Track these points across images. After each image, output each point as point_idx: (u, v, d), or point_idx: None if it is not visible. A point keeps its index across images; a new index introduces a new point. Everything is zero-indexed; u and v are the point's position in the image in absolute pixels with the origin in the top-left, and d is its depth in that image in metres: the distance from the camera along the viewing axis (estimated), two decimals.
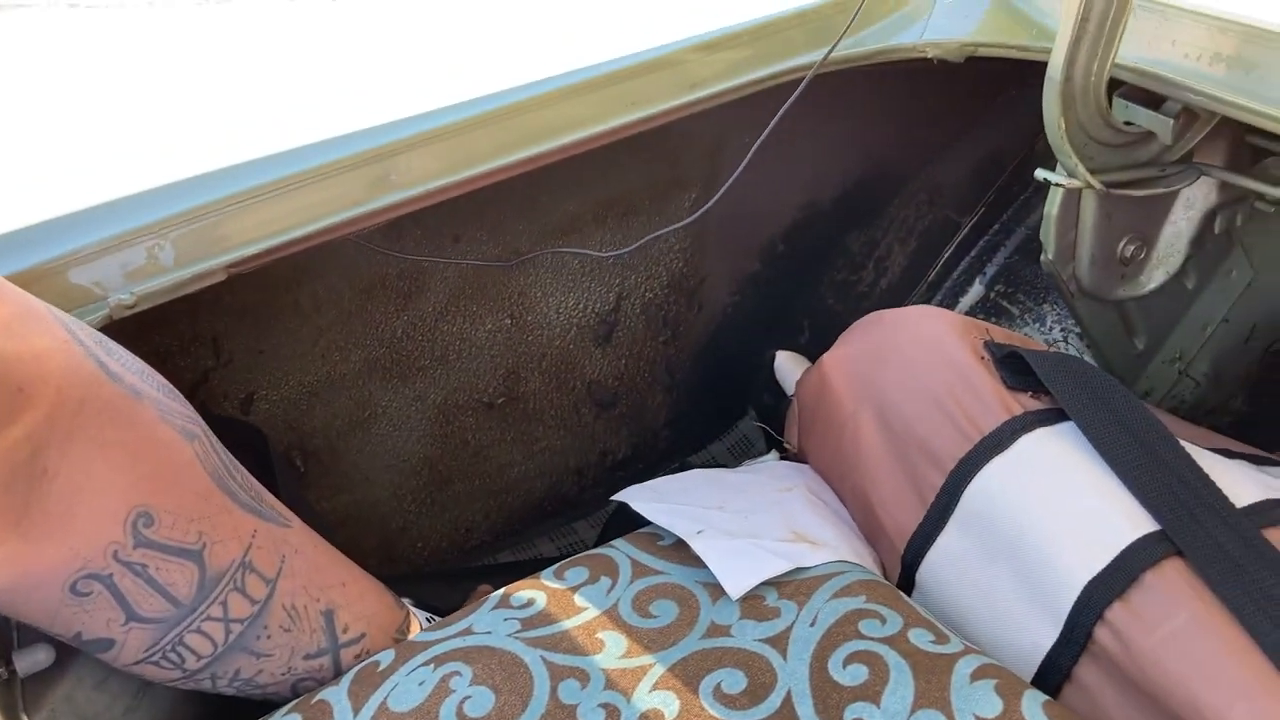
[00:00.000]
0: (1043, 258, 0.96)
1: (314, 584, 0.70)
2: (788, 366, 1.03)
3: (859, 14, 0.89)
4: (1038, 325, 1.11)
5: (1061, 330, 1.11)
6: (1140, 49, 0.86)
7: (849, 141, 1.15)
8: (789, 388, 1.01)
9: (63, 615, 0.60)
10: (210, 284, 0.79)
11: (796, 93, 0.87)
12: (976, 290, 1.16)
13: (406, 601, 0.81)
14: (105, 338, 0.62)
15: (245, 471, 0.68)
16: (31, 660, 0.68)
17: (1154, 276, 0.99)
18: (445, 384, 1.19)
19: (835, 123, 1.10)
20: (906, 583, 0.80)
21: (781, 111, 0.88)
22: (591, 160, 0.95)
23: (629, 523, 0.84)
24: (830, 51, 0.90)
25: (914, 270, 1.23)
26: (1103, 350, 1.03)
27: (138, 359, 0.64)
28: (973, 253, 1.17)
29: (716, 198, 0.92)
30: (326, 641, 0.71)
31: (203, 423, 0.66)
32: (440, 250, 1.07)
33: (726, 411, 1.35)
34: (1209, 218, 0.97)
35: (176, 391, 0.65)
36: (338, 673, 0.73)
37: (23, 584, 0.56)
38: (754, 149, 0.90)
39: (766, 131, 0.88)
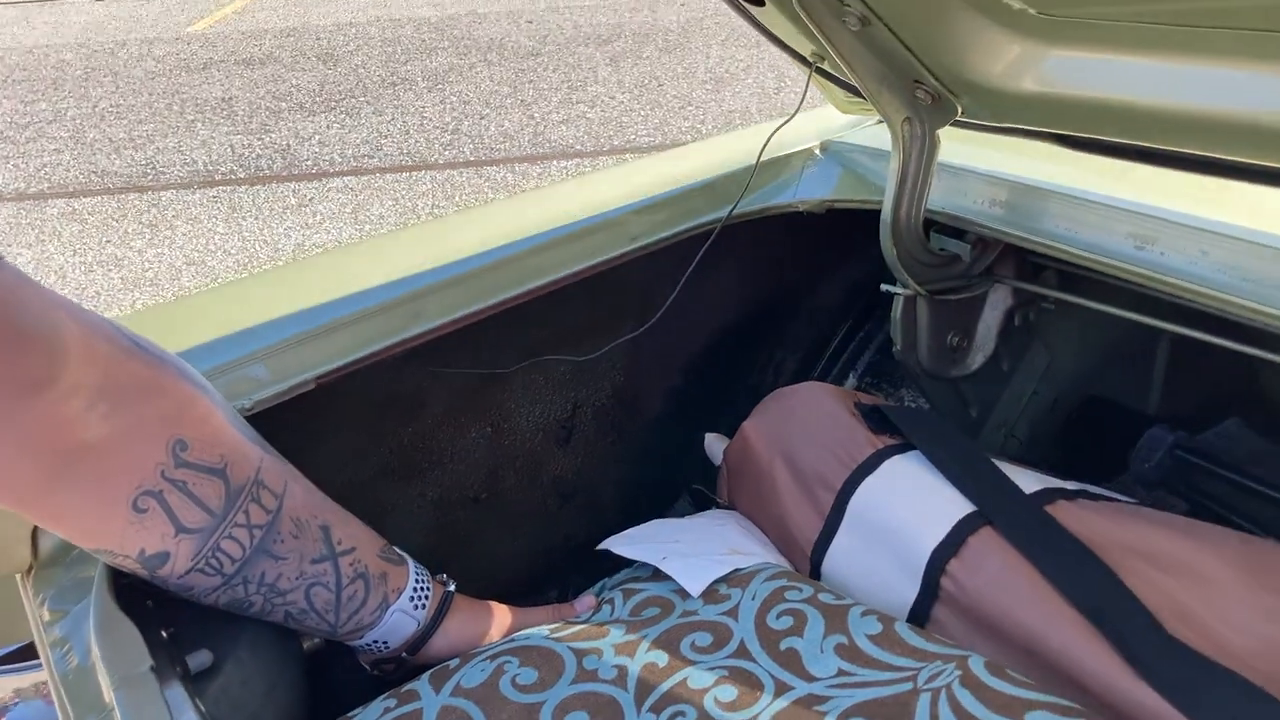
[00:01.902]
0: (894, 349, 1.32)
1: (311, 505, 0.95)
2: (714, 443, 1.36)
3: (749, 185, 1.26)
4: (897, 404, 1.47)
5: (915, 405, 1.46)
6: (947, 198, 1.24)
7: (751, 278, 1.51)
8: (716, 458, 1.34)
9: (129, 537, 0.83)
10: (302, 391, 1.09)
11: (709, 241, 1.24)
12: (850, 383, 1.51)
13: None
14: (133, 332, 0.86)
15: (248, 425, 0.94)
16: (199, 661, 0.94)
17: (975, 360, 1.36)
18: (441, 483, 1.47)
19: (739, 264, 1.45)
20: (815, 576, 1.12)
21: (701, 253, 1.24)
22: (560, 297, 1.28)
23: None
24: (732, 210, 1.26)
25: (802, 373, 1.59)
26: (945, 418, 1.39)
27: (159, 345, 0.88)
28: (844, 356, 1.53)
29: (656, 317, 1.27)
30: (326, 549, 0.95)
31: (212, 386, 0.90)
32: (438, 373, 1.38)
33: (664, 496, 1.66)
34: (1009, 314, 1.35)
35: (190, 366, 0.90)
36: (338, 578, 0.96)
37: (98, 505, 0.80)
38: (681, 284, 1.25)
39: (692, 266, 1.24)
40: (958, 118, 1.14)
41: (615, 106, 6.06)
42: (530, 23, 8.03)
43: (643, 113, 5.93)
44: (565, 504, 1.61)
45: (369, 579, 1.00)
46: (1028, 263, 1.32)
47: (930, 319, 1.29)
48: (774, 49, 1.22)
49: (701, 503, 1.36)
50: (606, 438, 1.60)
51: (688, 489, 1.59)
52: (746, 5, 1.18)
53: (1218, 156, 0.98)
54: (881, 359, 1.50)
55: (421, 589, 1.04)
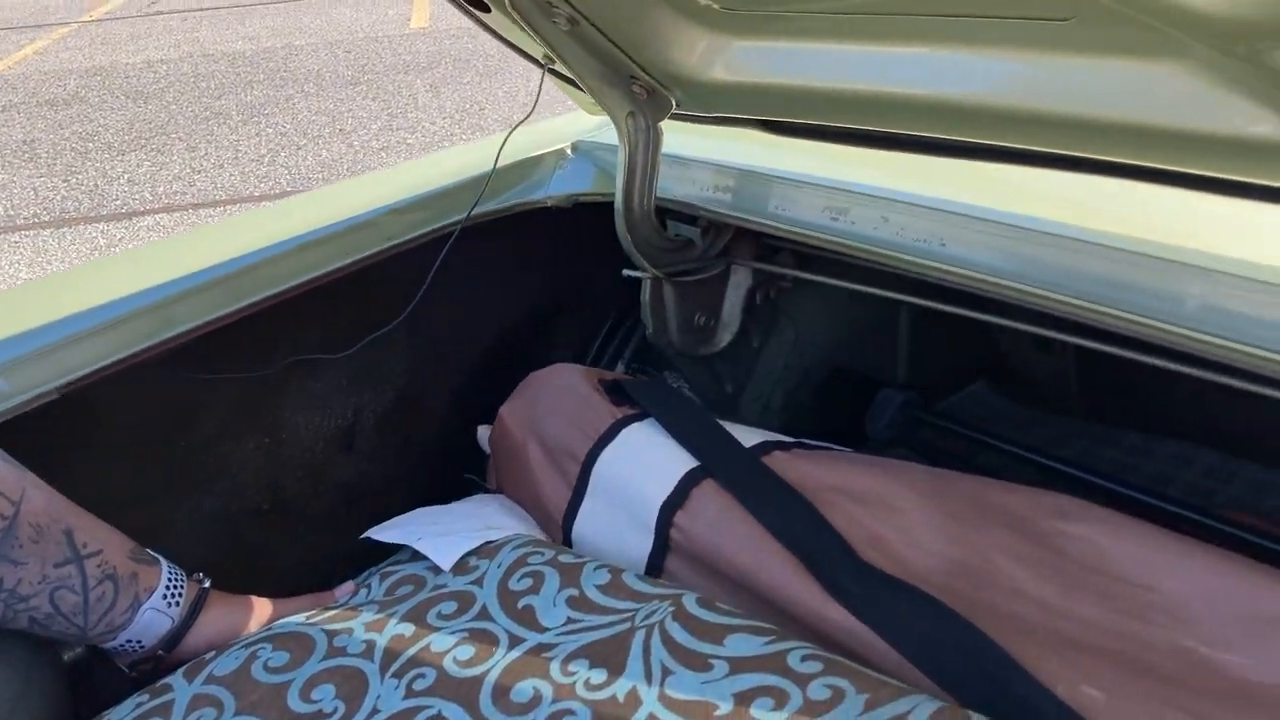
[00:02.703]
0: (648, 333, 1.40)
1: (52, 510, 0.97)
2: (484, 434, 1.41)
3: (488, 184, 1.32)
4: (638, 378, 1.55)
5: (678, 385, 1.54)
6: (678, 186, 1.33)
7: (519, 274, 1.57)
8: (487, 448, 1.39)
9: None
10: (46, 401, 1.09)
11: (451, 239, 1.30)
12: (620, 368, 1.59)
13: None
14: None
15: None
16: None
17: (723, 338, 1.45)
18: (222, 496, 1.48)
19: (504, 261, 1.51)
20: (568, 543, 1.18)
21: (445, 250, 1.30)
22: (320, 296, 1.31)
23: None
24: (472, 209, 1.33)
25: (576, 362, 1.65)
26: (702, 395, 1.48)
27: None
28: (613, 344, 1.60)
29: (405, 315, 1.32)
30: (70, 553, 0.97)
31: None
32: (211, 383, 1.39)
33: (451, 492, 1.70)
34: (752, 293, 1.45)
35: None
36: (84, 581, 0.97)
37: None
38: (428, 281, 1.30)
39: (437, 263, 1.29)
40: (675, 110, 1.23)
41: (436, 132, 6.06)
42: (349, 53, 7.96)
43: (464, 137, 5.95)
44: (353, 509, 1.63)
45: (118, 580, 1.01)
46: (764, 245, 1.42)
47: (677, 301, 1.38)
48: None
49: (476, 491, 1.41)
50: (391, 441, 1.63)
51: (462, 479, 1.64)
52: (474, 11, 1.25)
53: (905, 133, 1.09)
54: (648, 345, 1.58)
55: (175, 587, 1.06)
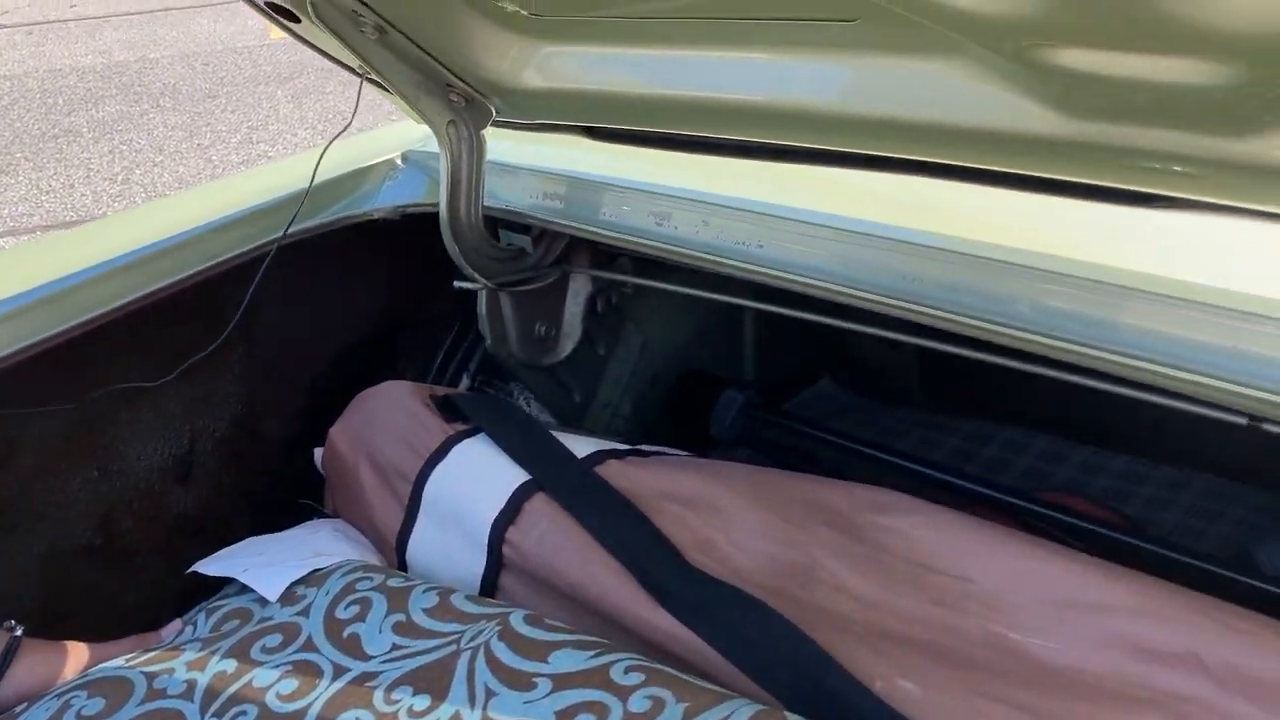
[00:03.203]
0: (487, 345, 1.38)
1: None
2: (320, 456, 1.37)
3: (304, 200, 1.29)
4: (508, 398, 1.53)
5: (525, 397, 1.53)
6: (508, 194, 1.31)
7: (356, 291, 1.53)
8: (324, 470, 1.35)
9: None
10: None
11: (270, 256, 1.25)
12: (465, 383, 1.56)
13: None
14: None
15: None
16: None
17: (566, 346, 1.44)
18: (48, 534, 1.40)
19: (339, 278, 1.47)
20: (403, 567, 1.15)
21: (264, 268, 1.25)
22: (139, 320, 1.26)
23: None
24: (289, 226, 1.29)
25: (421, 379, 1.62)
26: (549, 405, 1.46)
27: None
28: (457, 357, 1.57)
29: (223, 337, 1.27)
30: None
31: None
32: (26, 417, 1.32)
33: (298, 517, 1.65)
34: (592, 301, 1.44)
35: None
36: None
37: None
38: (246, 301, 1.26)
39: (255, 281, 1.25)
40: (496, 118, 1.21)
41: (298, 143, 5.92)
42: (206, 65, 7.72)
43: None
44: (193, 540, 1.56)
45: None
46: (602, 251, 1.41)
47: (514, 312, 1.36)
48: None
49: (314, 516, 1.36)
50: (231, 467, 1.57)
51: (298, 504, 1.59)
52: (285, 22, 1.21)
53: (716, 137, 1.09)
54: (493, 358, 1.55)
55: None
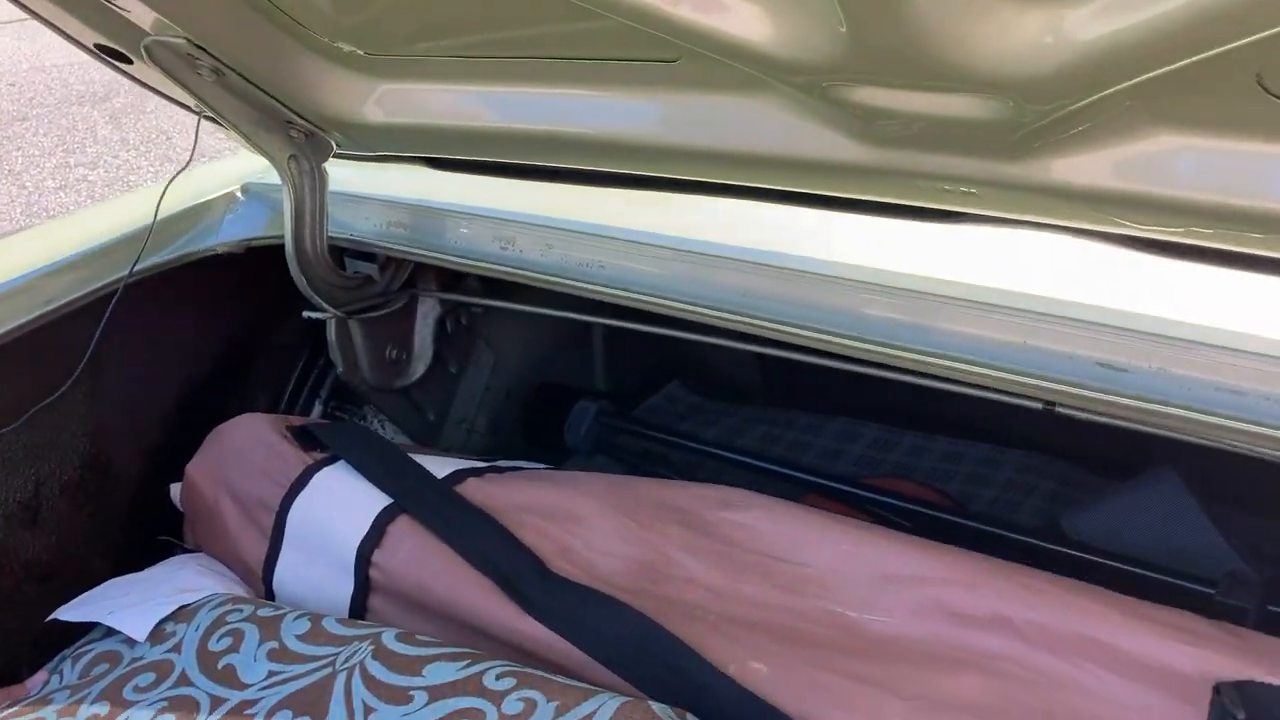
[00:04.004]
0: (338, 372, 1.40)
1: None
2: (177, 491, 1.37)
3: (148, 239, 1.29)
4: (362, 421, 1.55)
5: (378, 419, 1.55)
6: (355, 223, 1.34)
7: (201, 325, 1.52)
8: (182, 506, 1.35)
9: None
10: None
11: (116, 296, 1.26)
12: (318, 409, 1.57)
13: None
14: None
15: None
16: None
17: (418, 368, 1.47)
18: None
19: (183, 314, 1.47)
20: (270, 597, 1.17)
21: (109, 310, 1.25)
22: None
23: None
24: (134, 265, 1.29)
25: (273, 409, 1.62)
26: (403, 426, 1.49)
27: None
28: (308, 385, 1.59)
29: (70, 382, 1.26)
30: None
31: None
32: None
33: (151, 557, 1.63)
34: (442, 322, 1.48)
35: None
36: None
37: None
38: (93, 345, 1.25)
39: (101, 325, 1.25)
40: (337, 151, 1.24)
41: (121, 166, 5.70)
42: (12, 85, 7.34)
43: (152, 169, 5.63)
44: (46, 586, 1.53)
45: None
46: (450, 273, 1.45)
47: (364, 338, 1.39)
48: None
49: (176, 553, 1.36)
50: (83, 509, 1.55)
51: (158, 541, 1.58)
52: (119, 65, 1.21)
53: (551, 165, 1.15)
54: (344, 387, 1.57)
55: None
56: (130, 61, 1.20)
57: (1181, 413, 0.83)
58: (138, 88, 1.34)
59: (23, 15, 1.16)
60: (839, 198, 0.92)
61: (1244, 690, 0.76)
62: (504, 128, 1.09)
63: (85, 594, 1.21)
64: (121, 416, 1.54)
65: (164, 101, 1.40)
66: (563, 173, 1.18)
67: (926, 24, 0.70)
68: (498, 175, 1.20)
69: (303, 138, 1.20)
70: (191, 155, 1.32)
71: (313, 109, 1.16)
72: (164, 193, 1.31)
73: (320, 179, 1.25)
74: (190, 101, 1.26)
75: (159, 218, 1.38)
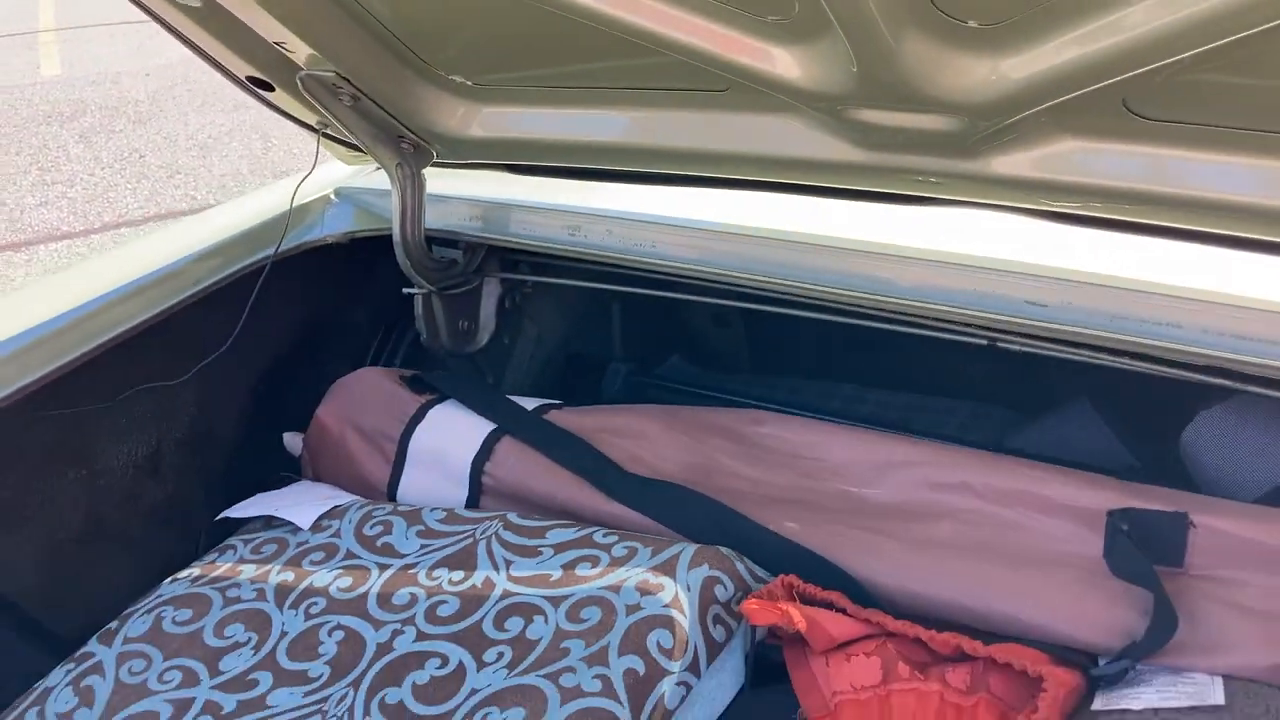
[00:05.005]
0: (422, 338, 1.73)
1: None
2: (291, 439, 1.68)
3: (288, 226, 1.61)
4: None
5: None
6: (442, 219, 1.66)
7: (302, 306, 1.83)
8: (296, 450, 1.66)
9: None
10: None
11: (264, 275, 1.57)
12: None
13: None
14: None
15: None
16: None
17: (483, 338, 1.81)
18: (45, 525, 1.64)
19: (291, 296, 1.77)
20: None
21: (259, 286, 1.57)
22: (143, 342, 1.54)
23: None
24: (279, 248, 1.60)
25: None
26: None
27: None
28: (384, 353, 1.91)
29: (231, 339, 1.57)
30: None
31: None
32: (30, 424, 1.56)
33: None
34: (501, 300, 1.82)
35: None
36: None
37: None
38: (247, 311, 1.56)
39: (253, 297, 1.56)
40: (435, 160, 1.57)
41: (97, 183, 5.91)
42: None
43: (129, 186, 5.85)
44: (164, 523, 1.83)
45: None
46: (508, 260, 1.79)
47: (444, 311, 1.72)
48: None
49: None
50: (192, 462, 1.84)
51: (277, 477, 1.88)
52: (260, 91, 1.53)
53: (619, 168, 1.49)
54: (413, 351, 1.90)
55: None
56: (272, 89, 1.52)
57: (1083, 331, 1.20)
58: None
59: None
60: (841, 188, 1.28)
61: (1128, 514, 1.13)
62: (580, 140, 1.44)
63: (238, 504, 1.51)
64: (223, 384, 1.85)
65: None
66: (620, 173, 1.52)
67: (911, 66, 1.06)
68: (568, 178, 1.55)
69: (411, 149, 1.53)
70: (312, 168, 1.64)
71: (424, 127, 1.49)
72: (296, 191, 1.62)
73: (420, 182, 1.58)
74: (315, 120, 1.58)
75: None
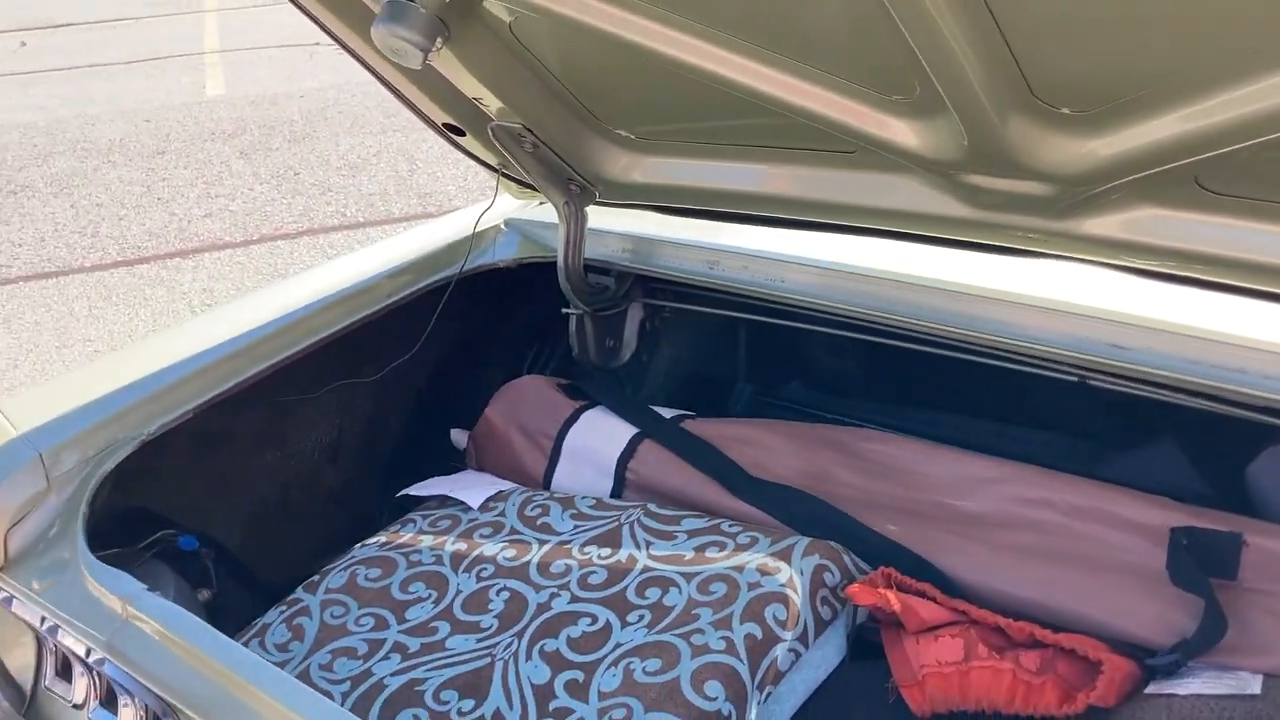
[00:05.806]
0: (574, 354, 1.98)
1: None
2: (458, 435, 1.95)
3: (470, 250, 1.88)
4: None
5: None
6: (597, 250, 1.92)
7: (468, 321, 2.11)
8: (461, 444, 1.92)
9: None
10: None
11: (449, 291, 1.84)
12: None
13: None
14: None
15: None
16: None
17: (625, 355, 2.05)
18: (251, 496, 1.93)
19: (460, 313, 2.05)
20: None
21: (444, 300, 1.84)
22: (342, 344, 1.82)
23: None
24: (463, 267, 1.88)
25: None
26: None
27: None
28: (535, 366, 2.17)
29: (419, 344, 1.84)
30: None
31: None
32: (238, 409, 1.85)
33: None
34: (643, 323, 2.06)
35: None
36: None
37: None
38: (433, 320, 1.84)
39: (439, 309, 1.83)
40: (598, 200, 1.82)
41: (256, 198, 6.36)
42: (148, 121, 8.07)
43: (285, 201, 6.29)
44: (340, 504, 2.11)
45: None
46: (651, 288, 2.03)
47: (594, 330, 1.97)
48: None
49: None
50: (371, 451, 2.12)
51: (449, 467, 2.14)
52: (452, 135, 1.81)
53: (757, 213, 1.72)
54: (562, 363, 2.16)
55: None
56: (464, 134, 1.80)
57: (1159, 373, 1.38)
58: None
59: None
60: (951, 239, 1.49)
61: (1190, 531, 1.31)
62: (724, 188, 1.67)
63: (416, 484, 1.78)
64: (395, 384, 2.13)
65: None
66: (755, 216, 1.75)
67: (1014, 142, 1.26)
68: (710, 219, 1.78)
69: (578, 190, 1.79)
70: (491, 203, 1.91)
71: (592, 172, 1.75)
72: (481, 216, 1.90)
73: (583, 219, 1.83)
74: (496, 161, 1.85)
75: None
